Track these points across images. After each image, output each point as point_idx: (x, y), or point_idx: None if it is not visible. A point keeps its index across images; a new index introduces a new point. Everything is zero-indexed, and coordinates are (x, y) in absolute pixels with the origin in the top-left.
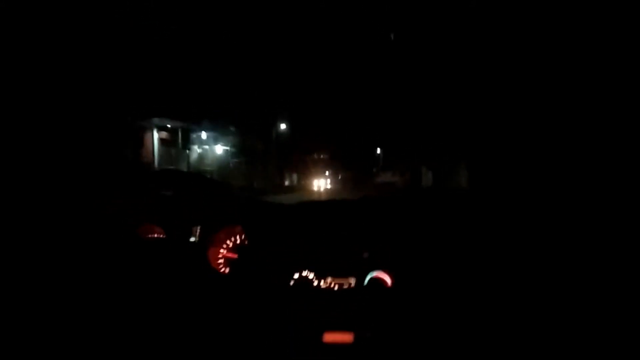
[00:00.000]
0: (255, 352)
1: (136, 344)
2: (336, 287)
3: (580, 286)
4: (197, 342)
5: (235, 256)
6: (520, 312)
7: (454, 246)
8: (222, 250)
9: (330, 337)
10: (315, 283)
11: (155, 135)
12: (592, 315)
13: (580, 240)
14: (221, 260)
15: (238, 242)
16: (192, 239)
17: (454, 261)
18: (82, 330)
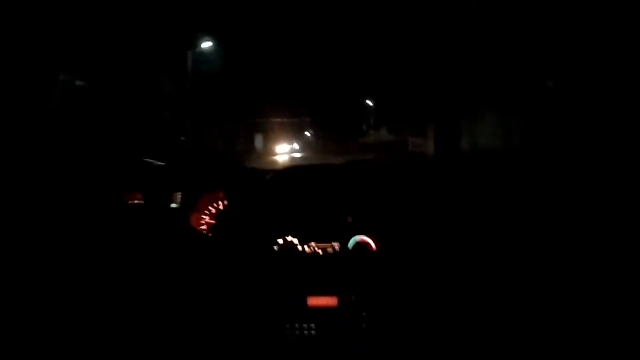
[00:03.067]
0: (239, 316)
1: (121, 308)
2: (321, 252)
3: (562, 261)
4: (179, 306)
5: (218, 222)
6: (502, 281)
7: (441, 212)
8: (204, 217)
9: (314, 301)
10: (300, 248)
11: None
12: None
13: (574, 221)
14: (204, 227)
15: (220, 208)
16: (174, 205)
17: (440, 227)
18: (70, 295)
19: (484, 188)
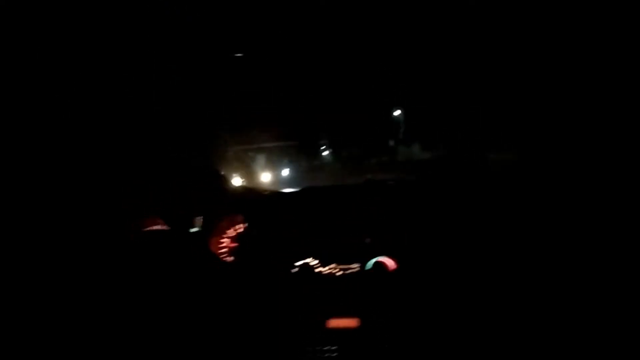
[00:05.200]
0: (260, 340)
1: (141, 336)
2: (340, 273)
3: (584, 277)
4: (201, 332)
5: (237, 245)
6: (522, 301)
7: (459, 232)
8: (224, 240)
9: (334, 323)
10: (318, 270)
11: None
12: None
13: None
14: (224, 250)
15: (240, 231)
16: (194, 229)
17: (458, 247)
18: (83, 323)
19: (503, 208)
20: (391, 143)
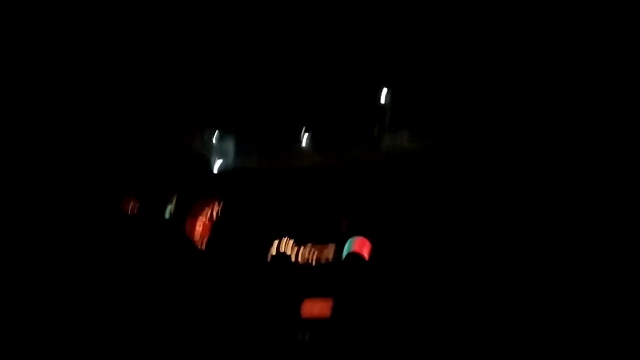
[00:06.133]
0: (233, 325)
1: (117, 314)
2: (314, 262)
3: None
4: (174, 316)
5: (212, 228)
6: (498, 285)
7: (437, 216)
8: (198, 223)
9: (308, 311)
10: (294, 256)
11: None
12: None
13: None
14: (198, 233)
15: (214, 213)
16: (168, 213)
17: (435, 231)
18: (65, 299)
19: (481, 192)
20: (375, 131)
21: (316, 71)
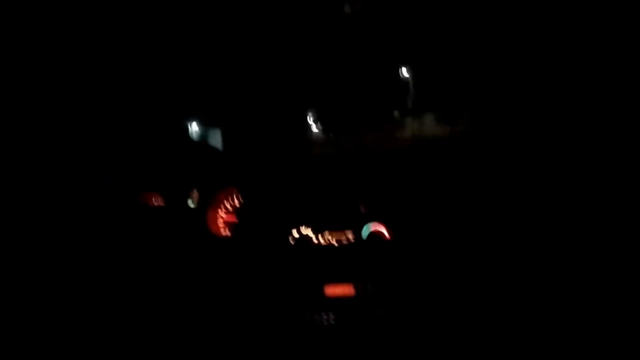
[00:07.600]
0: (259, 312)
1: (143, 312)
2: (336, 243)
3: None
4: (200, 306)
5: (234, 218)
6: (515, 269)
7: (453, 199)
8: (220, 213)
9: (331, 291)
10: (315, 239)
11: None
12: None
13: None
14: (221, 223)
15: (235, 204)
16: (191, 204)
17: (453, 215)
18: (87, 296)
19: (497, 178)
20: (395, 114)
21: (334, 52)
